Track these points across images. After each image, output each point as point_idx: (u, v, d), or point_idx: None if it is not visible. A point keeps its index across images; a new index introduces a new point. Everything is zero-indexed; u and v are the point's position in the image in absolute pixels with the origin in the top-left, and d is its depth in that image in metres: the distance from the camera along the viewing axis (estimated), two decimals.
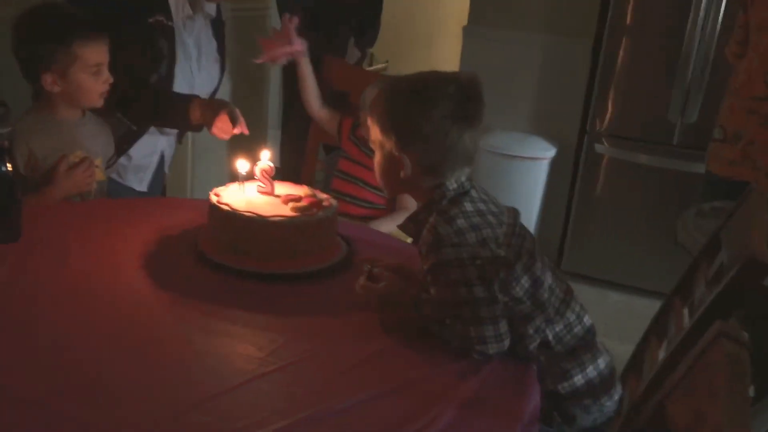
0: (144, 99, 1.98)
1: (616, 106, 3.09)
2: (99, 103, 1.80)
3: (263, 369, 1.12)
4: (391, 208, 2.20)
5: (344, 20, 3.14)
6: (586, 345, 1.28)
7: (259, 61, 2.24)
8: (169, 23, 1.99)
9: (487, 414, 1.10)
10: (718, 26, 2.82)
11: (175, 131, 2.24)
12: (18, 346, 1.14)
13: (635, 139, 3.08)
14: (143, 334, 1.22)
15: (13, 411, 0.99)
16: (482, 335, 1.19)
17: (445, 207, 1.23)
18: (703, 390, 0.88)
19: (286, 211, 1.48)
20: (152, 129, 2.12)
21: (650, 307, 2.92)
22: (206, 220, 1.53)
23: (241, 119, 1.93)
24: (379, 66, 4.75)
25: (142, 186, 2.19)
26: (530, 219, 3.28)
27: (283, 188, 1.58)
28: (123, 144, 2.05)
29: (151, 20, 1.95)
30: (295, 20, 2.15)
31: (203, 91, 2.18)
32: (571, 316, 1.27)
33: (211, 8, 2.13)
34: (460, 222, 1.21)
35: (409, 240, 2.11)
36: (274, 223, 1.44)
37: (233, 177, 1.58)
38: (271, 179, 1.55)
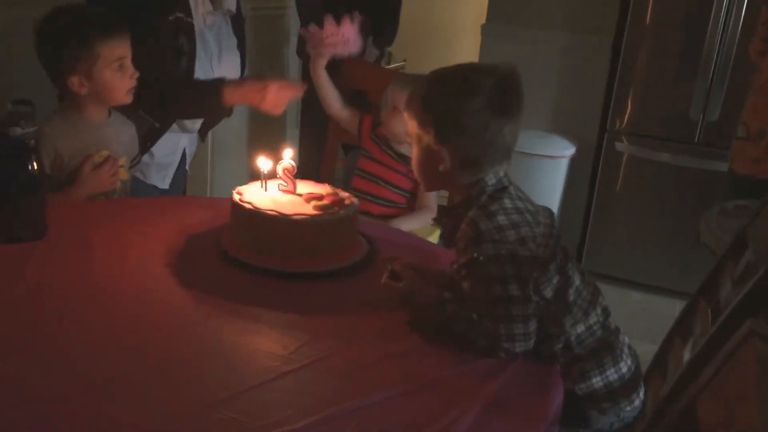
0: (171, 92, 1.99)
1: (636, 104, 3.07)
2: (127, 99, 1.81)
3: (288, 367, 1.13)
4: (411, 206, 2.20)
5: (363, 19, 3.14)
6: (608, 347, 1.27)
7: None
8: (189, 20, 2.00)
9: (510, 414, 1.09)
10: (741, 22, 2.79)
11: (196, 130, 2.25)
12: (44, 342, 1.16)
13: (656, 137, 3.05)
14: (168, 331, 1.23)
15: (39, 406, 1.00)
16: (512, 333, 1.18)
17: (485, 202, 1.23)
18: (732, 390, 0.87)
19: (309, 209, 1.48)
20: (174, 127, 2.13)
21: (672, 306, 2.93)
22: (228, 218, 1.54)
23: (292, 83, 1.89)
24: (397, 64, 4.75)
25: (164, 184, 2.21)
26: None
27: (304, 187, 1.58)
28: (146, 141, 2.06)
29: (171, 17, 1.96)
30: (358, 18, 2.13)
31: None
32: (595, 318, 1.26)
33: (231, 4, 2.14)
34: (501, 218, 1.20)
35: (432, 238, 2.12)
36: (297, 221, 1.44)
37: (253, 175, 1.58)
38: (293, 178, 1.56)
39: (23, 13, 1.78)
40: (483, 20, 3.45)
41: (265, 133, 3.45)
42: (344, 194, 1.57)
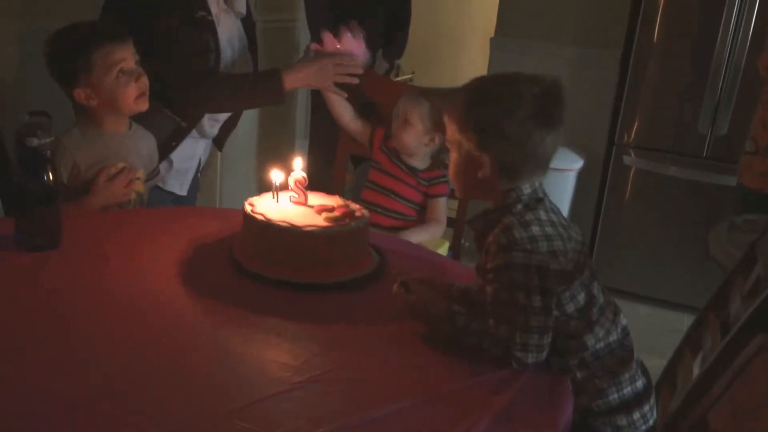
0: (207, 87, 2.04)
1: (645, 118, 3.08)
2: (141, 106, 1.81)
3: (299, 378, 1.13)
4: (421, 219, 2.21)
5: (373, 32, 3.16)
6: (625, 365, 1.27)
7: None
8: (210, 18, 2.04)
9: (521, 425, 1.09)
10: (749, 37, 2.80)
11: (214, 135, 2.27)
12: (58, 350, 1.17)
13: (664, 151, 3.06)
14: (180, 341, 1.23)
15: (53, 411, 1.01)
16: (526, 342, 1.18)
17: (520, 211, 1.23)
18: (744, 404, 0.87)
19: (320, 221, 1.49)
20: (193, 132, 2.15)
21: (680, 320, 2.92)
22: (240, 229, 1.55)
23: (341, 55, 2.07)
24: (405, 77, 4.77)
25: (182, 190, 2.23)
26: None
27: (315, 198, 1.59)
28: (171, 141, 2.08)
29: (197, 15, 2.00)
30: (359, 30, 2.19)
31: None
32: (615, 337, 1.27)
33: (241, 6, 2.17)
34: (535, 229, 1.21)
35: (442, 250, 2.12)
36: (308, 233, 1.45)
37: (261, 185, 1.60)
38: (304, 189, 1.57)
39: (48, 24, 1.81)
40: (492, 33, 3.47)
41: (274, 143, 3.47)
42: (355, 206, 1.59)
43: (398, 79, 4.54)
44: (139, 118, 1.88)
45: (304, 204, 1.57)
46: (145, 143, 1.92)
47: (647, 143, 3.09)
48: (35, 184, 1.45)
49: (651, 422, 1.28)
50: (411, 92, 2.23)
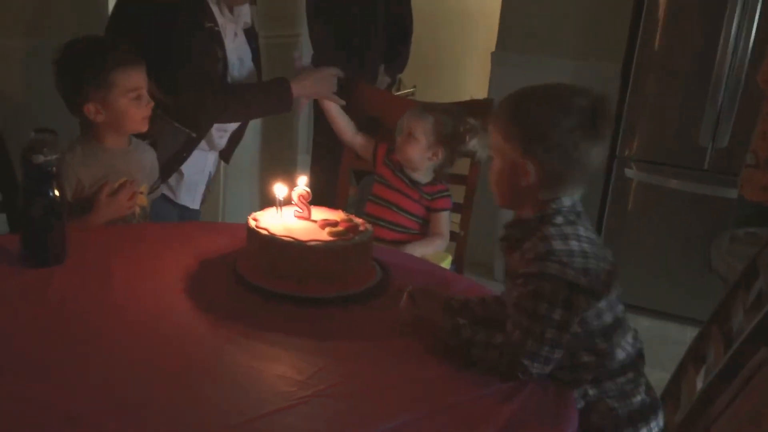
0: (217, 97, 2.06)
1: (646, 131, 3.09)
2: (143, 127, 1.84)
3: (304, 392, 1.13)
4: (424, 233, 2.22)
5: (375, 47, 3.18)
6: (636, 383, 1.28)
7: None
8: (217, 29, 2.07)
9: None
10: (750, 49, 2.81)
11: (222, 146, 2.29)
12: (63, 364, 1.17)
13: (665, 164, 3.07)
14: (184, 355, 1.24)
15: (59, 425, 1.02)
16: (535, 352, 1.19)
17: (560, 223, 1.23)
18: (748, 417, 0.87)
19: (323, 235, 1.50)
20: (202, 144, 2.17)
21: (682, 333, 2.91)
22: (244, 244, 1.56)
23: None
24: (406, 91, 4.80)
25: (195, 204, 2.24)
26: None
27: (319, 213, 1.60)
28: (183, 153, 2.10)
29: (206, 26, 2.03)
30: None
31: None
32: (631, 358, 1.28)
33: (247, 16, 2.20)
34: (574, 244, 1.21)
35: (445, 264, 2.12)
36: (312, 247, 1.46)
37: (264, 200, 1.61)
38: (308, 204, 1.58)
39: (54, 42, 1.83)
40: (493, 48, 3.49)
41: (277, 158, 3.48)
42: (358, 220, 1.59)
43: (400, 93, 4.57)
44: (149, 134, 1.91)
45: (308, 219, 1.57)
46: (147, 157, 1.94)
47: (648, 156, 3.10)
48: (41, 201, 1.46)
49: None
50: (415, 107, 2.24)
